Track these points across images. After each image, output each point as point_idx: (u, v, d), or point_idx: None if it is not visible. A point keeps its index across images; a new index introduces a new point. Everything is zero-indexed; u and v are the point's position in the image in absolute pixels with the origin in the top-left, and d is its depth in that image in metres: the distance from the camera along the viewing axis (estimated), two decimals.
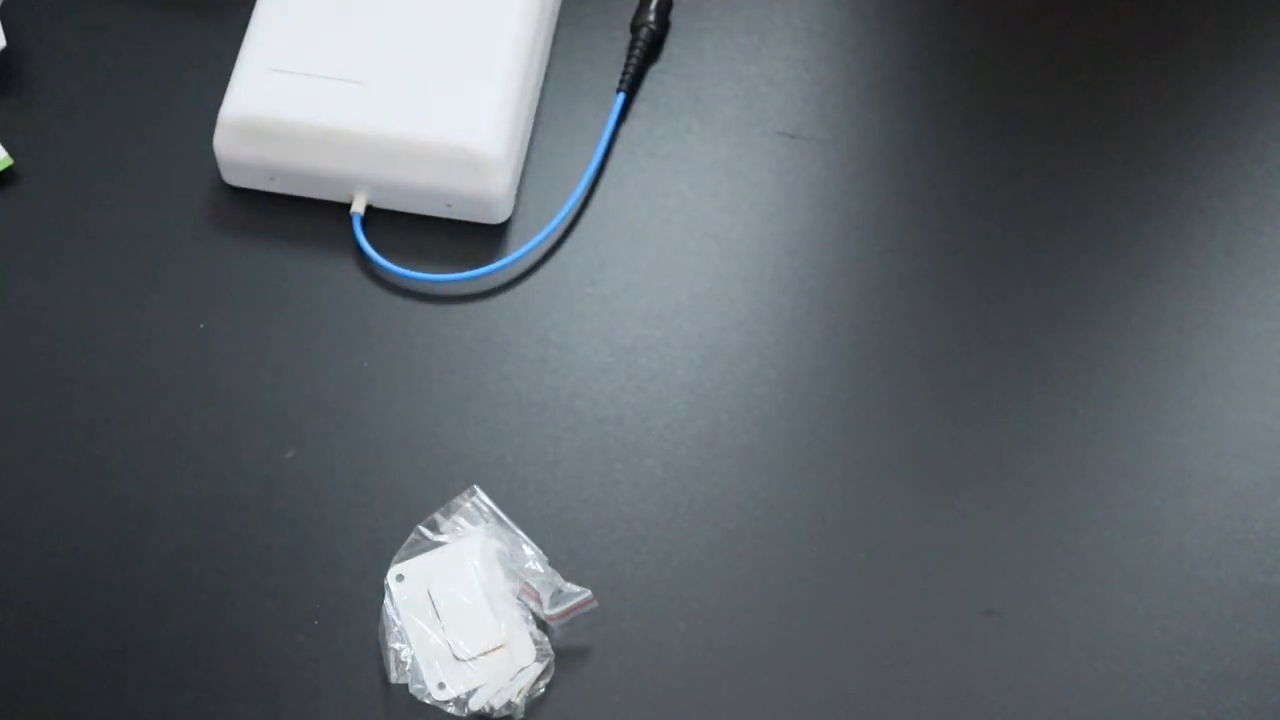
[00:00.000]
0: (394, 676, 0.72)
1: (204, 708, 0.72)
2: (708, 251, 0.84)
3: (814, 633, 0.74)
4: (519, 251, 0.82)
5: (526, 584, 0.73)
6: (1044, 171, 0.86)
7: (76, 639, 0.74)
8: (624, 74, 0.88)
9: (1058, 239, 0.84)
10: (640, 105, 0.88)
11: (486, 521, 0.75)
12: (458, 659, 0.72)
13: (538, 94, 0.87)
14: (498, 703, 0.71)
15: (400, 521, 0.75)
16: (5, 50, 0.87)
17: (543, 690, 0.72)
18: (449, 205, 0.82)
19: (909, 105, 0.88)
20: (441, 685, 0.71)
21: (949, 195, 0.86)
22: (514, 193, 0.84)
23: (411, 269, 0.82)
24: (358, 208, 0.82)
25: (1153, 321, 0.82)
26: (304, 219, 0.84)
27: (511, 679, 0.71)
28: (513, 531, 0.74)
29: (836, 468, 0.78)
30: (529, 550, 0.74)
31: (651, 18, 0.89)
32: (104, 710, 0.72)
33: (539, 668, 0.72)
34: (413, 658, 0.72)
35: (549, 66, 0.88)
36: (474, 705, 0.71)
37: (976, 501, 0.77)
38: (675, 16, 0.90)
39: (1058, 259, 0.84)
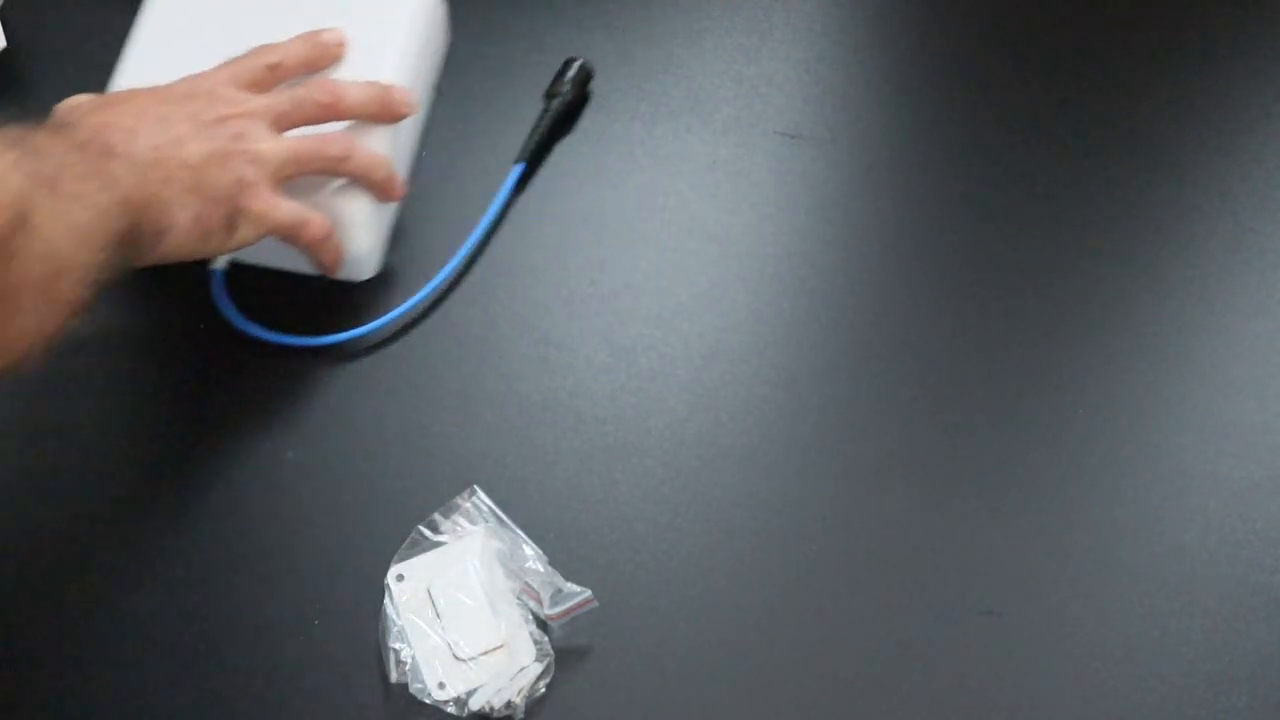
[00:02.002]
0: (394, 676, 0.72)
1: (204, 707, 0.72)
2: (708, 251, 0.84)
3: (814, 633, 0.74)
4: (380, 320, 0.81)
5: (526, 584, 0.73)
6: (1044, 171, 0.86)
7: (75, 637, 0.74)
8: (526, 144, 0.85)
9: (1057, 239, 0.84)
10: (640, 105, 0.88)
11: (486, 521, 0.75)
12: (458, 659, 0.72)
13: (412, 153, 0.84)
14: (498, 702, 0.71)
15: (400, 521, 0.75)
16: (5, 50, 0.87)
17: (543, 690, 0.72)
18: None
19: (909, 105, 0.88)
20: (441, 685, 0.71)
21: (949, 195, 0.86)
22: (380, 252, 0.81)
23: (271, 326, 0.81)
24: (219, 264, 0.80)
25: (1153, 321, 0.82)
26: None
27: (511, 679, 0.71)
28: (513, 531, 0.75)
29: (836, 468, 0.78)
30: (529, 550, 0.74)
31: (566, 88, 0.87)
32: (103, 709, 0.72)
33: (539, 668, 0.72)
34: (413, 658, 0.72)
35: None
36: (474, 705, 0.71)
37: (976, 501, 0.77)
38: (676, 17, 0.90)
39: (1057, 259, 0.84)
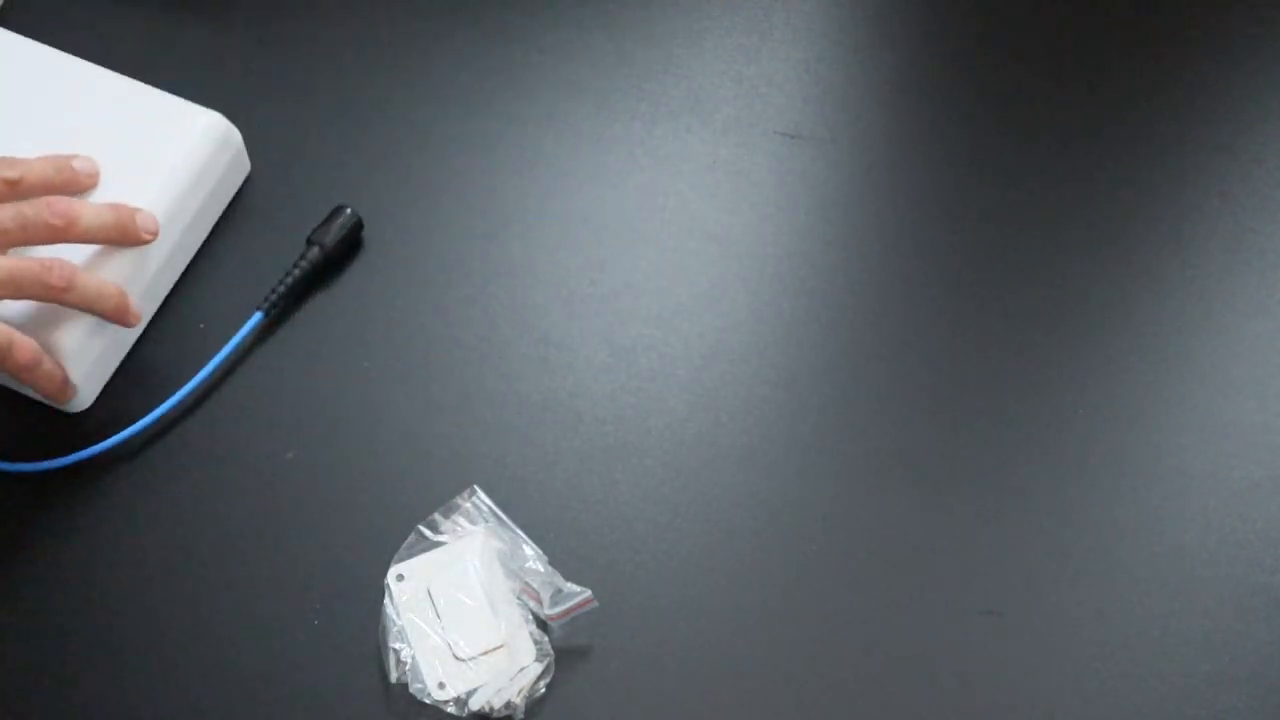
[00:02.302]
0: (394, 676, 0.72)
1: (203, 707, 0.72)
2: (708, 251, 0.84)
3: (814, 633, 0.74)
4: (93, 448, 0.77)
5: (526, 584, 0.73)
6: (1043, 171, 0.86)
7: (75, 637, 0.74)
8: (271, 291, 0.80)
9: (1058, 239, 0.84)
10: (640, 105, 0.88)
11: (486, 521, 0.75)
12: (458, 659, 0.72)
13: (155, 291, 0.80)
14: (498, 702, 0.71)
15: (400, 521, 0.75)
16: None
17: (543, 690, 0.72)
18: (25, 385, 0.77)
19: (909, 105, 0.88)
20: (441, 685, 0.71)
21: (949, 195, 0.86)
22: (95, 385, 0.78)
23: None
24: None
25: (1153, 321, 0.82)
26: None
27: (511, 679, 0.71)
28: (513, 531, 0.75)
29: (836, 468, 0.78)
30: (529, 550, 0.74)
31: (329, 236, 0.81)
32: (101, 710, 0.72)
33: (539, 667, 0.72)
34: (413, 657, 0.72)
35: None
36: (474, 705, 0.71)
37: (976, 501, 0.77)
38: (675, 16, 0.90)
39: (1058, 259, 0.84)
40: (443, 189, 0.85)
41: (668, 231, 0.84)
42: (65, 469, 0.77)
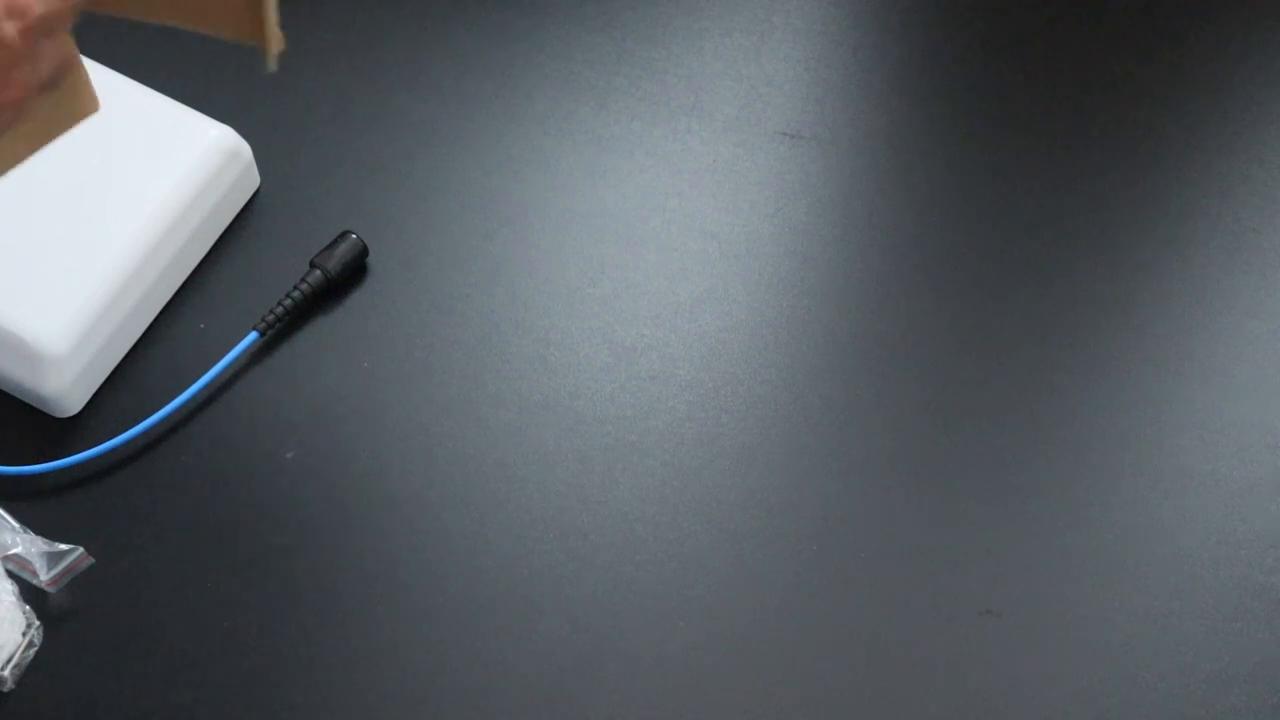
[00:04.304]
0: None
1: (203, 707, 0.72)
2: (708, 251, 0.84)
3: (814, 633, 0.74)
4: (76, 456, 0.76)
5: (14, 555, 0.72)
6: (1044, 171, 0.86)
7: (75, 640, 0.74)
8: (269, 312, 0.79)
9: (1058, 239, 0.84)
10: (640, 105, 0.88)
11: None
12: None
13: (151, 303, 0.80)
14: None
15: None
16: None
17: (31, 658, 0.71)
18: (11, 385, 0.78)
19: (909, 105, 0.88)
20: None
21: (949, 195, 0.86)
22: (83, 392, 0.78)
23: None
24: None
25: (1153, 321, 0.82)
26: None
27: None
28: None
29: (836, 468, 0.78)
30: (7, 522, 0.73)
31: (332, 262, 0.81)
32: (99, 710, 0.72)
33: (20, 639, 0.71)
34: None
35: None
36: None
37: (976, 501, 0.77)
38: (675, 16, 0.90)
39: (1058, 259, 0.84)
40: (442, 189, 0.85)
41: (668, 231, 0.84)
42: (45, 474, 0.77)
